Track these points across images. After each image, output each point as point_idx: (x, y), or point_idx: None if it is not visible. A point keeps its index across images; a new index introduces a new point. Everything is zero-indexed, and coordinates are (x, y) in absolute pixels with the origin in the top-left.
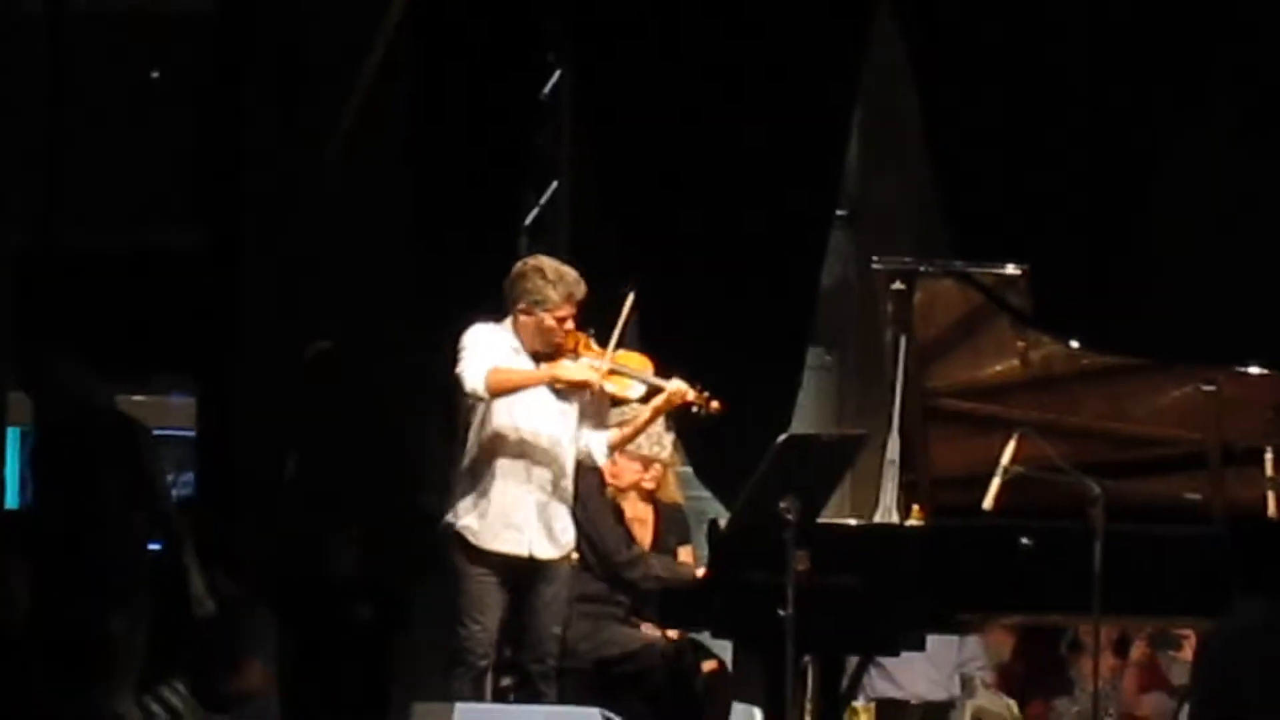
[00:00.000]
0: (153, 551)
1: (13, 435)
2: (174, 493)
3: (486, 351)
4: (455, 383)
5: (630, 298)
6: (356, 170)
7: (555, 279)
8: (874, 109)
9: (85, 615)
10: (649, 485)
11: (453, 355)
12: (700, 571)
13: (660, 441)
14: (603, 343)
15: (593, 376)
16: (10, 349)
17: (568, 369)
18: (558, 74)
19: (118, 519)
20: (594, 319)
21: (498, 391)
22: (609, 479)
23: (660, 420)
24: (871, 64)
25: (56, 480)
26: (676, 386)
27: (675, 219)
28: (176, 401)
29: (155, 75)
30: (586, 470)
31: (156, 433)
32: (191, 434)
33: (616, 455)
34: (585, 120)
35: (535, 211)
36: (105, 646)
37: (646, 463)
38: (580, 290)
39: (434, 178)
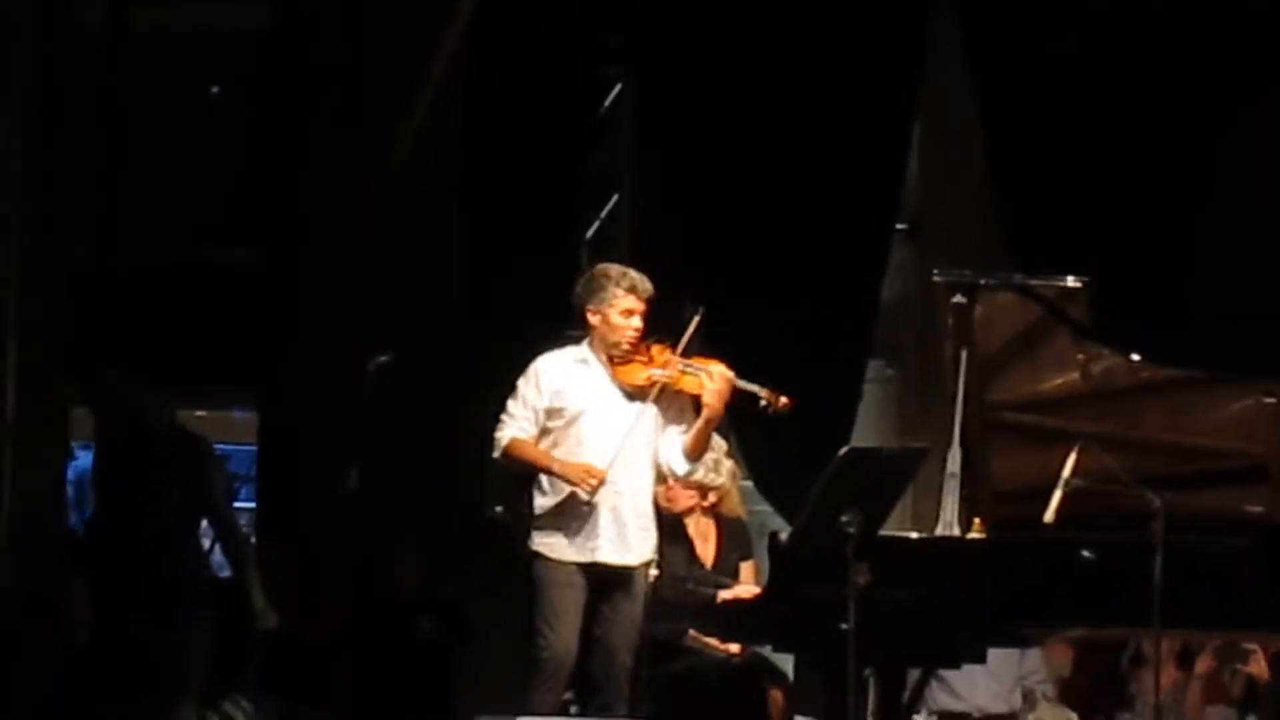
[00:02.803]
0: (214, 565)
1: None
2: (235, 506)
3: (515, 410)
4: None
5: (696, 319)
6: (416, 184)
7: (618, 276)
8: (935, 122)
9: (147, 629)
10: (711, 499)
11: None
12: (732, 591)
13: (717, 468)
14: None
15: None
16: (72, 365)
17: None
18: (618, 88)
19: (179, 533)
20: (654, 333)
21: (508, 465)
22: (664, 503)
23: (719, 446)
24: (932, 77)
25: (118, 495)
26: (752, 387)
27: (736, 232)
28: (238, 416)
29: (215, 90)
30: None
31: (218, 447)
32: (253, 449)
33: (671, 481)
34: (647, 133)
35: (596, 225)
36: (167, 661)
37: (703, 490)
38: (645, 285)
39: (494, 191)
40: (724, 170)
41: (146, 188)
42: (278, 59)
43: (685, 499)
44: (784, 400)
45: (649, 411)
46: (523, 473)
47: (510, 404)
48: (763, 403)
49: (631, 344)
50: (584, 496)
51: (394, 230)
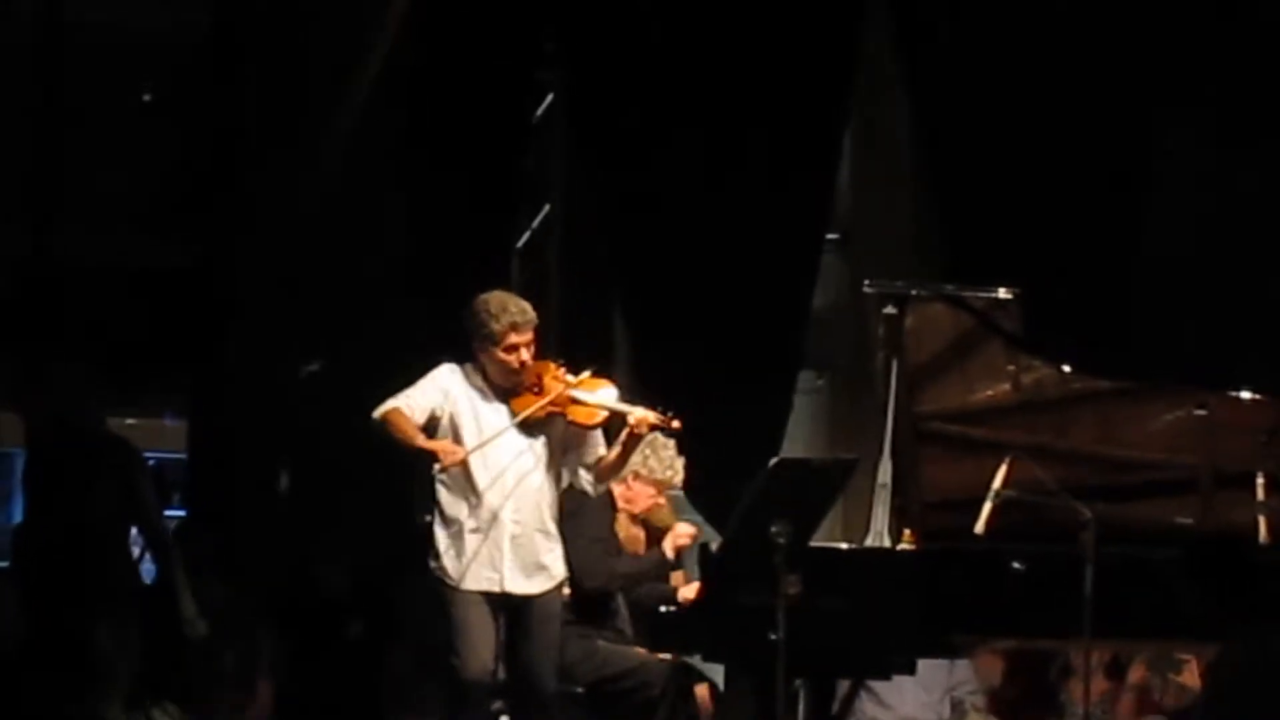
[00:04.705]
0: (143, 571)
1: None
2: (167, 514)
3: (412, 392)
4: None
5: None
6: (349, 190)
7: (498, 312)
8: (866, 131)
9: (75, 633)
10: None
11: None
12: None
13: (673, 465)
14: (575, 371)
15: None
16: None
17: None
18: (550, 96)
19: (108, 534)
20: (583, 344)
21: (379, 431)
22: (622, 504)
23: (671, 444)
24: (863, 86)
25: (48, 497)
26: (640, 414)
27: (667, 241)
28: (170, 424)
29: (147, 98)
30: (576, 495)
31: (148, 455)
32: (183, 457)
33: (630, 480)
34: (578, 142)
35: (527, 234)
36: (94, 664)
37: (660, 486)
38: (524, 319)
39: (426, 199)
40: (655, 179)
41: (80, 189)
42: (214, 60)
43: (644, 498)
44: (675, 423)
45: (544, 440)
46: (386, 442)
47: (405, 391)
48: (658, 431)
49: (520, 376)
50: (439, 466)
51: (328, 235)
